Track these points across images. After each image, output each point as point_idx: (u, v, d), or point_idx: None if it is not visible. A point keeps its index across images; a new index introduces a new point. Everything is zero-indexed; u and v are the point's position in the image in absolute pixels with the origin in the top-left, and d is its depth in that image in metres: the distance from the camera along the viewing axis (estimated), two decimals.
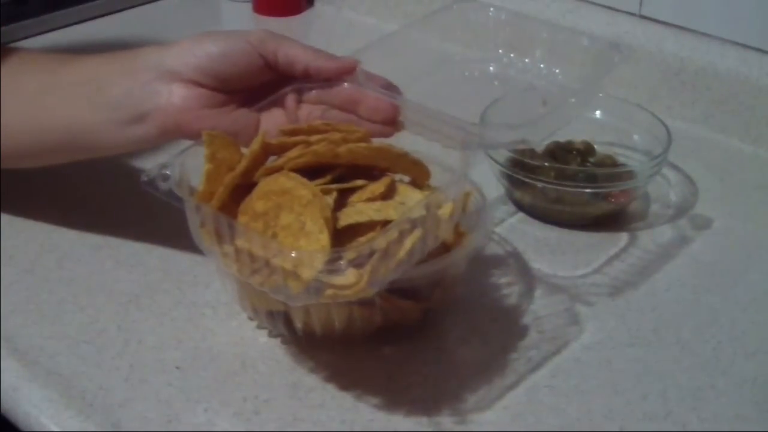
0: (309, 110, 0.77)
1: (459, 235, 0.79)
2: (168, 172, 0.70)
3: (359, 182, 0.69)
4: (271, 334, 0.78)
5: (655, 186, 0.96)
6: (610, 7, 1.14)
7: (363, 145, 0.69)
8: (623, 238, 0.91)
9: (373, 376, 0.74)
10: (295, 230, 0.64)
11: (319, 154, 0.68)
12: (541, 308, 0.82)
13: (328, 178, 0.68)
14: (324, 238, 0.63)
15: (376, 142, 0.71)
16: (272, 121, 0.76)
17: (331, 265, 0.62)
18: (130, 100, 0.77)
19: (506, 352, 0.77)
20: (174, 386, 0.73)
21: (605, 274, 0.86)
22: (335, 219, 0.65)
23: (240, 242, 0.65)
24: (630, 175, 0.91)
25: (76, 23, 1.30)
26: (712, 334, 0.80)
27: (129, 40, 1.20)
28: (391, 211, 0.67)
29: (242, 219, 0.68)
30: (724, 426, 0.71)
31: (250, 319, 0.79)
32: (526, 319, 0.81)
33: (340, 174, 0.69)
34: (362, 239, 0.65)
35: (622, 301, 0.83)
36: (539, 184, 0.90)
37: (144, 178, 0.71)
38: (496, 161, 0.92)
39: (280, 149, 0.70)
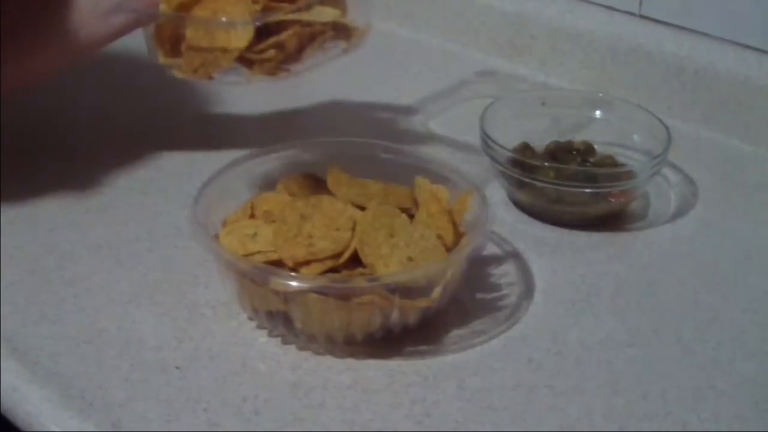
0: None
1: (459, 235, 0.79)
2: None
3: (282, 5, 0.82)
4: (271, 334, 0.78)
5: (655, 186, 0.96)
6: (609, 7, 1.14)
7: None
8: (623, 238, 0.91)
9: (373, 376, 0.74)
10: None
11: None
12: (540, 308, 0.82)
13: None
14: (248, 19, 0.79)
15: None
16: None
17: (254, 42, 0.79)
18: None
19: (506, 352, 0.77)
20: (174, 386, 0.73)
21: (605, 274, 0.86)
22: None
23: (187, 34, 0.81)
24: (630, 175, 0.91)
25: None
26: (712, 334, 0.80)
27: (129, 40, 1.20)
28: (305, 17, 0.81)
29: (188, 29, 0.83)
30: (724, 426, 0.71)
31: (250, 319, 0.79)
32: (526, 320, 0.81)
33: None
34: (282, 34, 0.81)
35: (622, 301, 0.83)
36: (539, 184, 0.90)
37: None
38: (496, 161, 0.92)
39: None
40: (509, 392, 0.73)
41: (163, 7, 0.83)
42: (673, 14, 1.09)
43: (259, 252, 0.76)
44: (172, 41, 0.84)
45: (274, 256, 0.76)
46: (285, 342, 0.77)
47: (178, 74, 0.85)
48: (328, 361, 0.76)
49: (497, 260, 0.87)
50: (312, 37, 0.82)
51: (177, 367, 0.75)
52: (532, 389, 0.74)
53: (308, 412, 0.71)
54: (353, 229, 0.77)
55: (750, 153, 1.04)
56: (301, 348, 0.77)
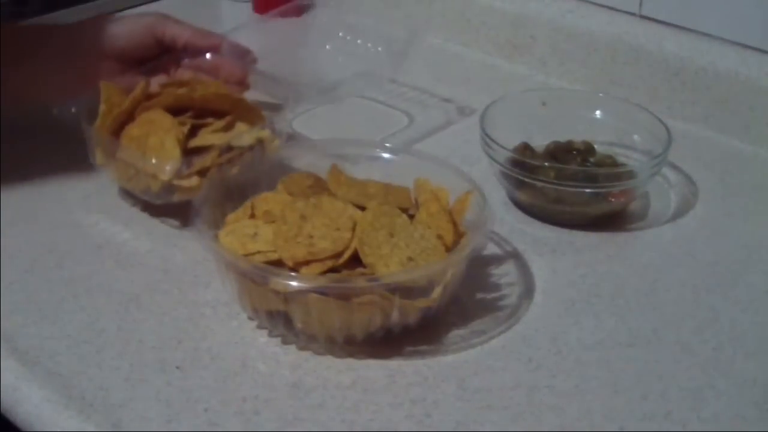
0: (182, 73, 1.00)
1: (459, 234, 0.79)
2: (74, 110, 0.93)
3: (209, 120, 0.91)
4: (271, 334, 0.78)
5: (655, 186, 0.96)
6: (610, 7, 1.14)
7: (211, 90, 0.92)
8: (623, 238, 0.91)
9: (373, 376, 0.74)
10: (158, 148, 0.87)
11: (179, 95, 0.91)
12: (540, 308, 0.82)
13: (187, 115, 0.90)
14: (176, 153, 0.87)
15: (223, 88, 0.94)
16: (157, 82, 0.96)
17: (180, 171, 0.86)
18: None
19: (506, 352, 0.77)
20: (174, 386, 0.73)
21: (605, 274, 0.86)
22: (187, 142, 0.88)
23: (119, 155, 0.89)
24: (630, 174, 0.91)
25: None
26: (712, 334, 0.80)
27: None
28: (230, 139, 0.89)
29: (123, 141, 0.90)
30: (724, 426, 0.71)
31: (250, 319, 0.79)
32: (526, 320, 0.81)
33: (197, 114, 0.91)
34: (205, 158, 0.88)
35: (622, 301, 0.83)
36: (539, 184, 0.90)
37: (55, 111, 0.93)
38: (496, 161, 0.92)
39: (157, 96, 0.92)
40: (509, 392, 0.73)
41: (102, 107, 0.91)
42: (673, 14, 1.09)
43: (259, 252, 0.76)
44: (108, 147, 0.91)
45: (274, 256, 0.76)
46: (285, 342, 0.77)
47: (111, 178, 0.93)
48: (328, 361, 0.76)
49: (497, 260, 0.87)
50: (231, 161, 0.88)
51: (177, 367, 0.75)
52: (532, 389, 0.74)
53: (308, 412, 0.71)
54: (353, 229, 0.77)
55: (750, 153, 1.04)
56: (301, 348, 0.77)
